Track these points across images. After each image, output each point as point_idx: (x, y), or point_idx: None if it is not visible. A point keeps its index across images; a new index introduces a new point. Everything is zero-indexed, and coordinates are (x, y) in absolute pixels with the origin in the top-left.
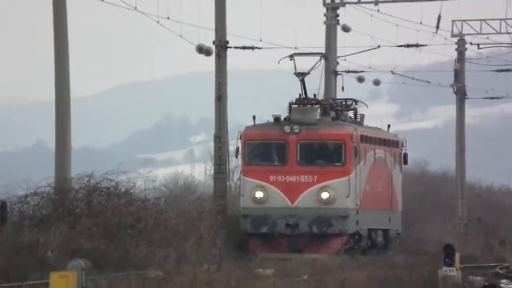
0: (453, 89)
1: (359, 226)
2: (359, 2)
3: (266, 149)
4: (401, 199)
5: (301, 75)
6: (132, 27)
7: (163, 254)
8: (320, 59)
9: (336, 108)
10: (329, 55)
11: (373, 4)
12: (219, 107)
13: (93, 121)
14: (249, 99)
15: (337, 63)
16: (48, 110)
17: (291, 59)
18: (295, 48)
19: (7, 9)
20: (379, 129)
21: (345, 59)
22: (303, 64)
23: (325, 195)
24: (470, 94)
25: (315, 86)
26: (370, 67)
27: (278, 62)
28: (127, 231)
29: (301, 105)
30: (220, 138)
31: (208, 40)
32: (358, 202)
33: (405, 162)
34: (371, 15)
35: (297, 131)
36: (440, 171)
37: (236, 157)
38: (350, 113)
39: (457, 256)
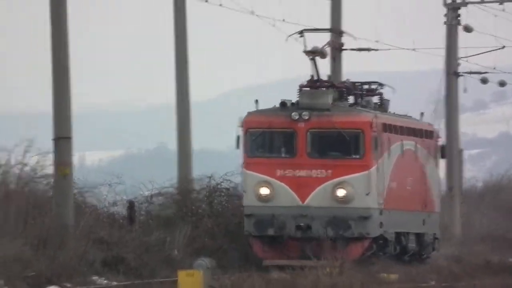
0: None
1: (383, 229)
2: (482, 2)
3: (271, 138)
4: (439, 199)
5: (312, 54)
6: (248, 30)
7: None
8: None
9: (355, 92)
10: (343, 31)
11: (497, 3)
12: None
13: (210, 124)
14: None
15: (459, 64)
16: (169, 114)
17: (301, 36)
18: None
19: (130, 15)
20: (409, 117)
21: (467, 60)
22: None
23: (341, 192)
24: None
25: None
26: (494, 68)
27: (286, 40)
28: None
29: (312, 88)
30: None
31: (323, 42)
32: (381, 201)
33: (443, 156)
34: (495, 15)
35: (306, 117)
36: None
37: (237, 147)
38: (376, 99)
39: None
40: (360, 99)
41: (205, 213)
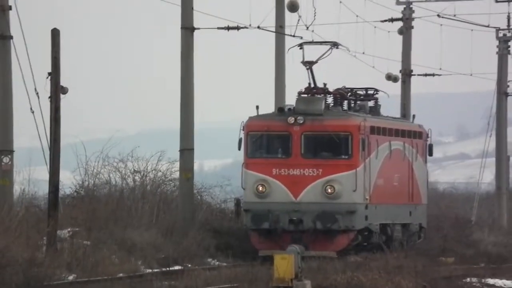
0: None
1: (368, 221)
2: None
3: (269, 141)
4: (426, 192)
5: (309, 64)
6: (334, 62)
7: None
8: (331, 48)
9: (349, 98)
10: (339, 44)
11: None
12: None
13: None
14: (428, 118)
15: (508, 85)
16: None
17: (300, 48)
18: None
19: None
20: (401, 119)
21: None
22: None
23: (330, 189)
24: None
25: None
26: None
27: (287, 51)
28: None
29: (309, 95)
30: None
31: (395, 69)
32: (368, 197)
33: (430, 154)
34: None
35: (301, 122)
36: None
37: (239, 149)
38: (371, 103)
39: None
40: (354, 104)
41: None
